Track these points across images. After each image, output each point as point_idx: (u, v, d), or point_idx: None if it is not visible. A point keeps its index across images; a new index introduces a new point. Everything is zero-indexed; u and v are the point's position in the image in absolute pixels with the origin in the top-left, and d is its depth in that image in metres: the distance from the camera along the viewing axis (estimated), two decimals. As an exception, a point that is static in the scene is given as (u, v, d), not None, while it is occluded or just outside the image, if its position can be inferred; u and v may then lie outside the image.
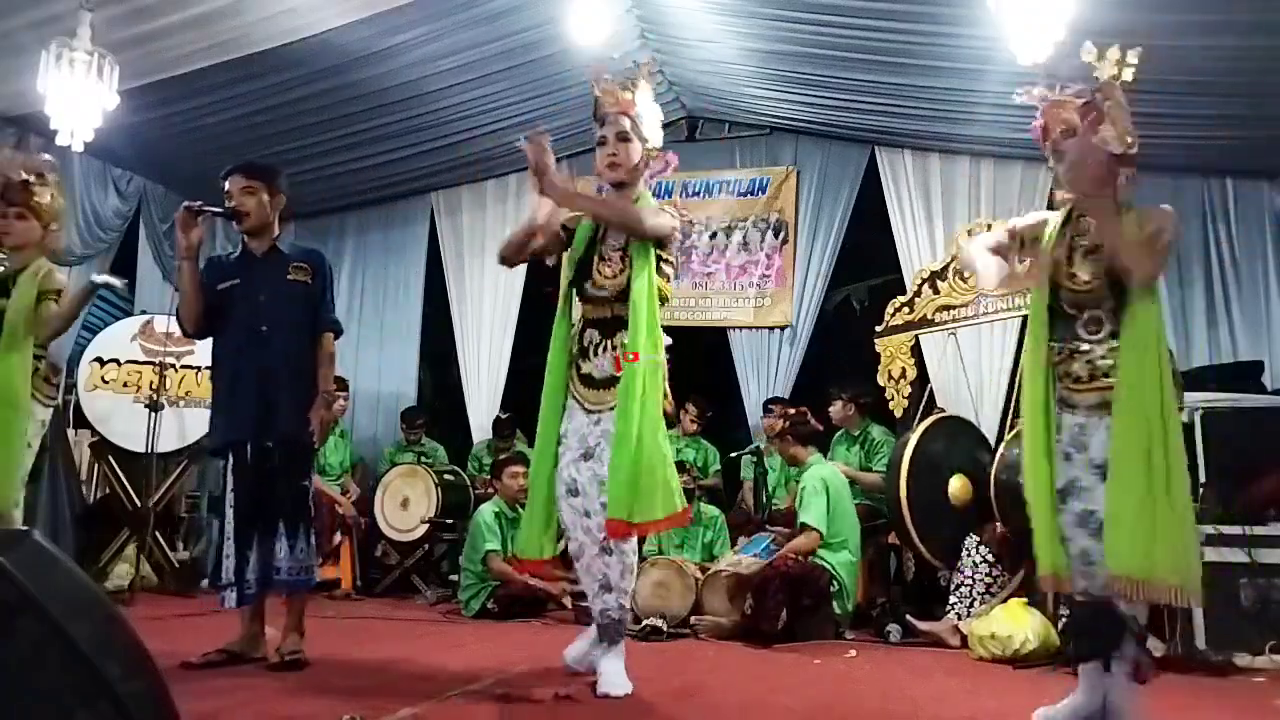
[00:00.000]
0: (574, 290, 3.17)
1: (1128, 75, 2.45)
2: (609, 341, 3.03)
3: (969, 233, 5.56)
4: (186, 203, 3.23)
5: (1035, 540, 2.50)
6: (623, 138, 3.08)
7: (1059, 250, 2.54)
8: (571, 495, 2.99)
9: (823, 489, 4.56)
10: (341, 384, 6.40)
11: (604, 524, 2.85)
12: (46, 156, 3.78)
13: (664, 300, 3.07)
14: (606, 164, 3.10)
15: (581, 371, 3.08)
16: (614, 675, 2.85)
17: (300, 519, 3.26)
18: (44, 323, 3.53)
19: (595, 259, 3.10)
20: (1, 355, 3.44)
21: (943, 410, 5.43)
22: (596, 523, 2.93)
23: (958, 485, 4.75)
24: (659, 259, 3.03)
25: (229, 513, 3.27)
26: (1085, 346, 2.47)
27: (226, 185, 3.34)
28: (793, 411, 5.16)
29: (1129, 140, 2.41)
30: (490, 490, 5.77)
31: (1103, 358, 2.44)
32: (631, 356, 2.92)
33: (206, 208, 3.25)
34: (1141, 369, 2.33)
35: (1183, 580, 2.24)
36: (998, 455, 4.54)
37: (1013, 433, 4.62)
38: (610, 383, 2.99)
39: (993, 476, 4.46)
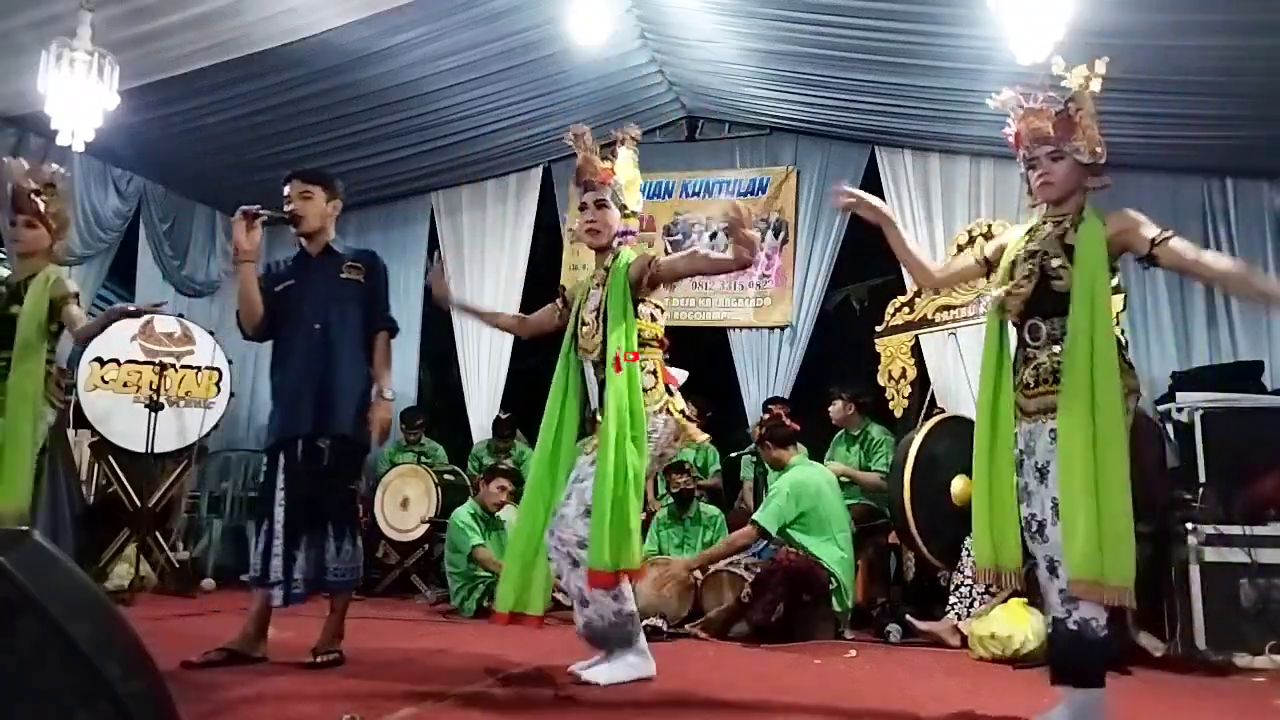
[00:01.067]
0: (574, 352, 3.25)
1: (1095, 86, 2.49)
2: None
3: (969, 233, 5.56)
4: (244, 206, 3.27)
5: (978, 535, 2.59)
6: (601, 205, 3.21)
7: (1015, 254, 2.60)
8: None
9: (791, 493, 4.55)
10: None
11: (563, 540, 2.99)
12: (55, 166, 3.80)
13: (660, 343, 3.18)
14: (586, 229, 3.24)
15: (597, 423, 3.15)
16: (600, 671, 2.96)
17: (347, 520, 3.28)
18: (74, 321, 3.58)
19: (579, 324, 3.22)
20: (18, 362, 3.47)
21: (943, 410, 5.43)
22: (559, 538, 3.01)
23: (960, 486, 4.75)
24: (638, 302, 3.13)
25: (278, 511, 3.24)
26: (1031, 352, 2.54)
27: (286, 190, 3.39)
28: (766, 417, 5.16)
29: (1098, 150, 2.47)
30: (474, 491, 5.78)
31: (1045, 363, 2.50)
32: (631, 356, 2.97)
33: (264, 210, 3.28)
34: (1081, 377, 2.37)
35: (1124, 582, 2.29)
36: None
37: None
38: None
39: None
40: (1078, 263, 2.43)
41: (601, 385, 3.10)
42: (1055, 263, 2.48)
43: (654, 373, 3.12)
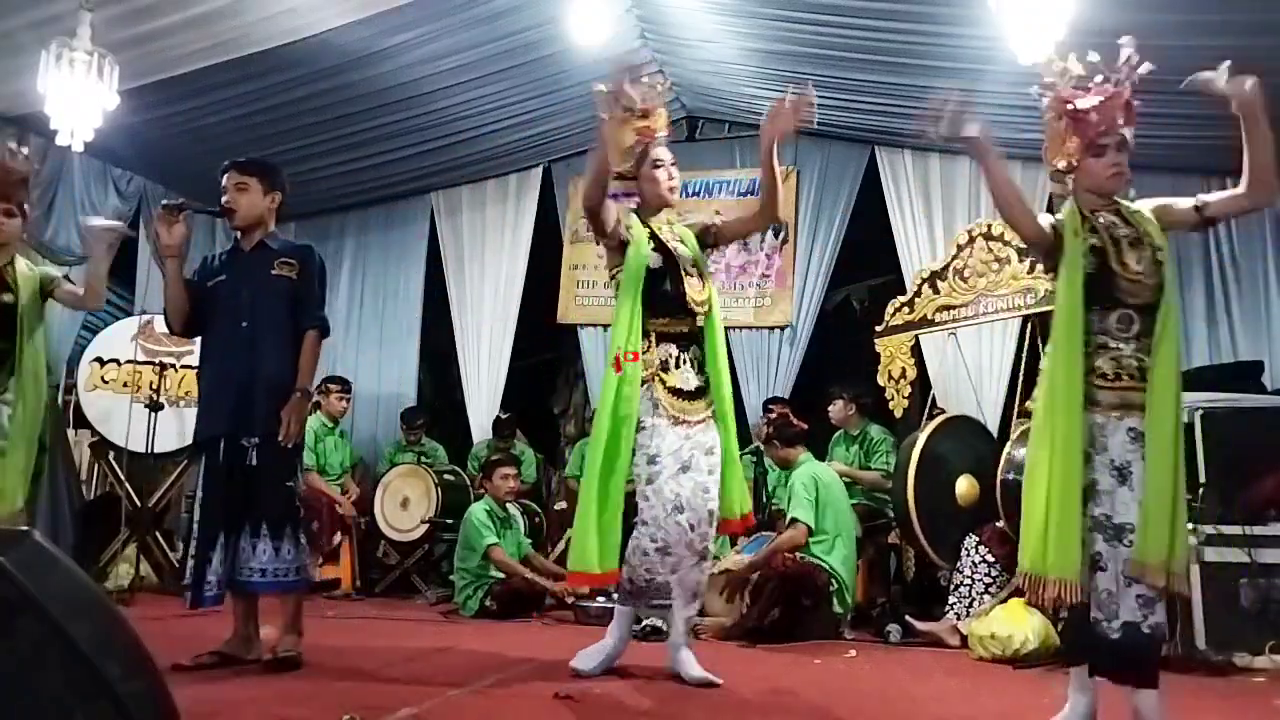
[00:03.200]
0: (647, 302, 3.09)
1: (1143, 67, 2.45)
2: (686, 355, 3.13)
3: (969, 233, 5.56)
4: (165, 201, 3.28)
5: (1050, 544, 2.34)
6: (675, 163, 3.22)
7: (1095, 239, 2.43)
8: (678, 512, 3.00)
9: (812, 486, 4.55)
10: (345, 385, 6.39)
11: (711, 532, 3.08)
12: (25, 151, 3.79)
13: None
14: (669, 188, 3.20)
15: (669, 385, 3.08)
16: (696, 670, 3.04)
17: (285, 520, 3.19)
18: (95, 294, 3.59)
19: (680, 274, 3.11)
20: (30, 355, 3.45)
21: (944, 410, 5.43)
22: (700, 534, 3.02)
23: (965, 486, 4.75)
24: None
25: (196, 511, 3.24)
26: (1113, 343, 2.41)
27: (222, 180, 3.33)
28: (774, 415, 5.15)
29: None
30: (481, 490, 5.79)
31: (1129, 356, 2.39)
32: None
33: (187, 205, 3.27)
34: (1172, 368, 2.35)
35: (1184, 570, 2.32)
36: (1003, 455, 4.53)
37: (1017, 432, 4.61)
38: (698, 394, 3.10)
39: (998, 477, 4.45)
40: (1165, 254, 2.38)
41: (699, 338, 3.15)
42: (1160, 255, 2.39)
43: None
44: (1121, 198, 2.51)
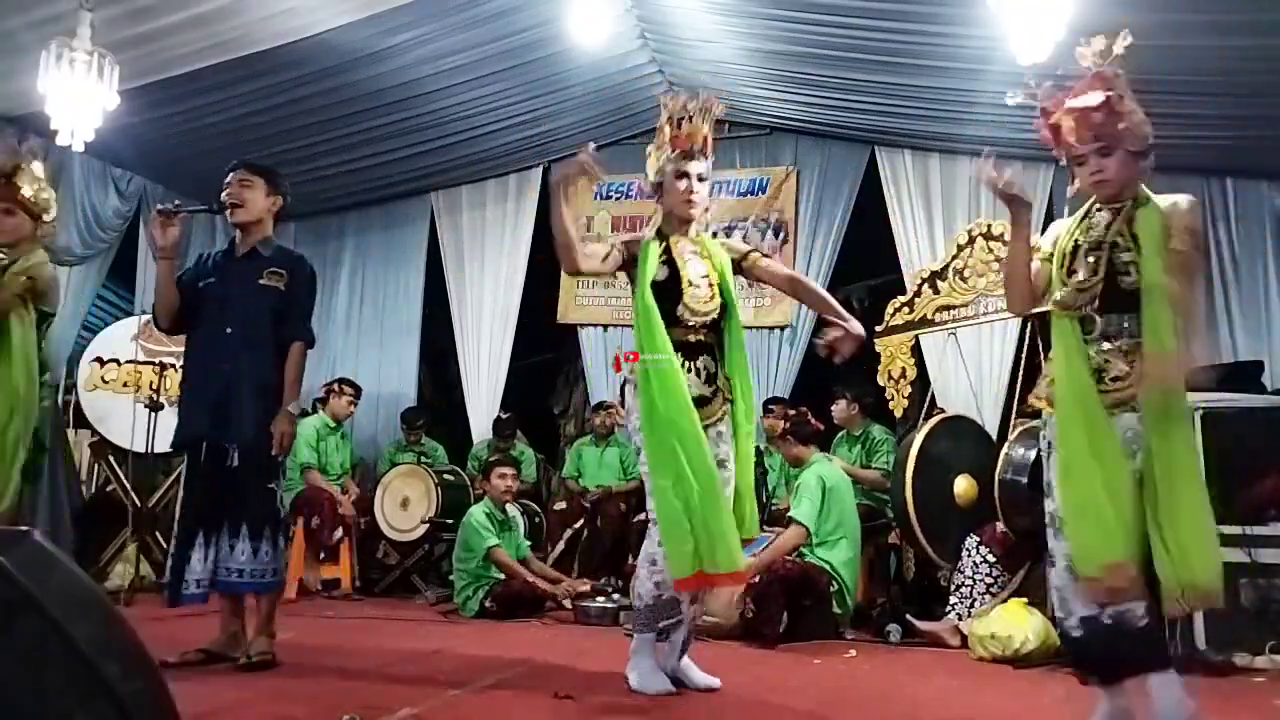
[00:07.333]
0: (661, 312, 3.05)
1: (1119, 48, 2.38)
2: (694, 364, 3.05)
3: (969, 233, 5.56)
4: (159, 206, 3.28)
5: (1094, 538, 2.25)
6: (702, 179, 3.09)
7: (1065, 247, 2.45)
8: None
9: (818, 487, 4.56)
10: (356, 390, 6.35)
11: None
12: (29, 145, 3.73)
13: None
14: (684, 200, 3.07)
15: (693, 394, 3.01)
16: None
17: (264, 522, 3.21)
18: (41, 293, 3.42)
19: (685, 285, 3.06)
20: None
21: (943, 410, 5.43)
22: None
23: (964, 485, 4.74)
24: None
25: (179, 511, 3.29)
26: (1089, 349, 2.39)
27: (228, 178, 3.36)
28: (793, 413, 5.17)
29: (1146, 132, 2.35)
30: (481, 491, 5.79)
31: (1092, 357, 2.37)
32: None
33: (182, 208, 3.28)
34: (1173, 372, 2.28)
35: (1220, 585, 2.21)
36: (1001, 455, 4.53)
37: (1016, 432, 4.62)
38: (701, 402, 3.00)
39: (996, 476, 4.45)
40: (1145, 256, 2.30)
41: (709, 349, 3.11)
42: (1125, 256, 2.34)
43: None
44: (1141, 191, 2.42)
